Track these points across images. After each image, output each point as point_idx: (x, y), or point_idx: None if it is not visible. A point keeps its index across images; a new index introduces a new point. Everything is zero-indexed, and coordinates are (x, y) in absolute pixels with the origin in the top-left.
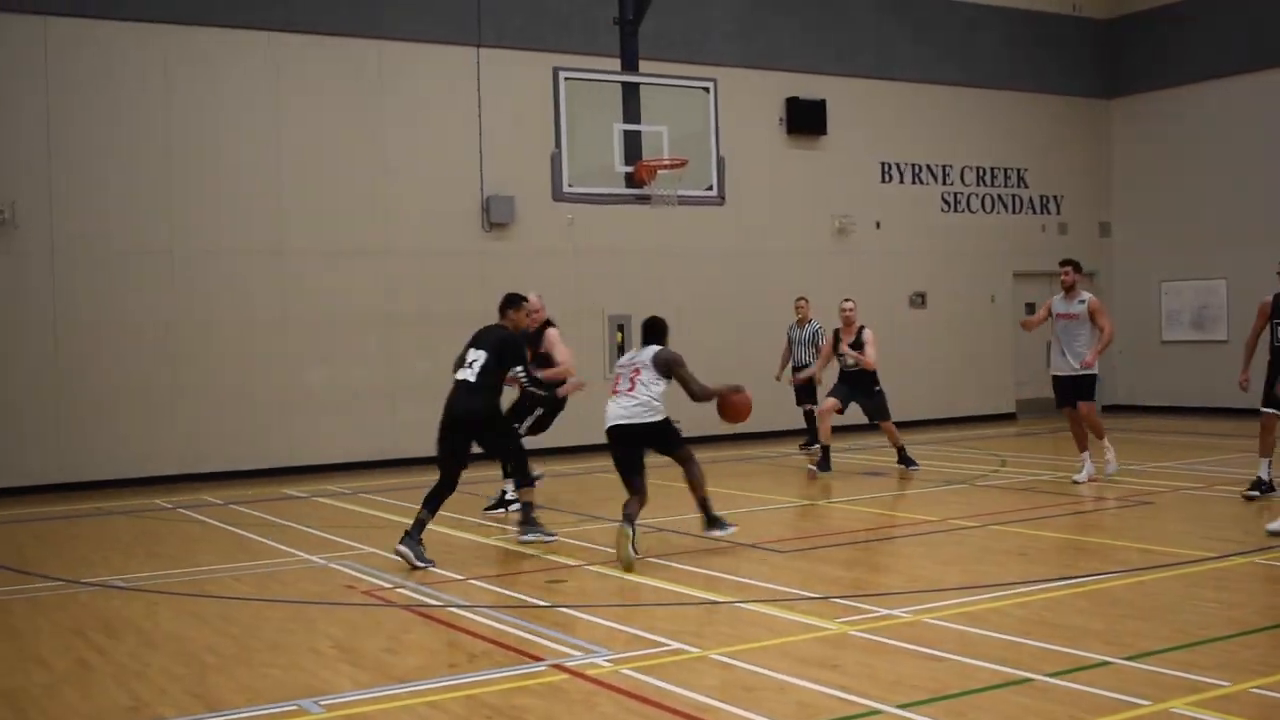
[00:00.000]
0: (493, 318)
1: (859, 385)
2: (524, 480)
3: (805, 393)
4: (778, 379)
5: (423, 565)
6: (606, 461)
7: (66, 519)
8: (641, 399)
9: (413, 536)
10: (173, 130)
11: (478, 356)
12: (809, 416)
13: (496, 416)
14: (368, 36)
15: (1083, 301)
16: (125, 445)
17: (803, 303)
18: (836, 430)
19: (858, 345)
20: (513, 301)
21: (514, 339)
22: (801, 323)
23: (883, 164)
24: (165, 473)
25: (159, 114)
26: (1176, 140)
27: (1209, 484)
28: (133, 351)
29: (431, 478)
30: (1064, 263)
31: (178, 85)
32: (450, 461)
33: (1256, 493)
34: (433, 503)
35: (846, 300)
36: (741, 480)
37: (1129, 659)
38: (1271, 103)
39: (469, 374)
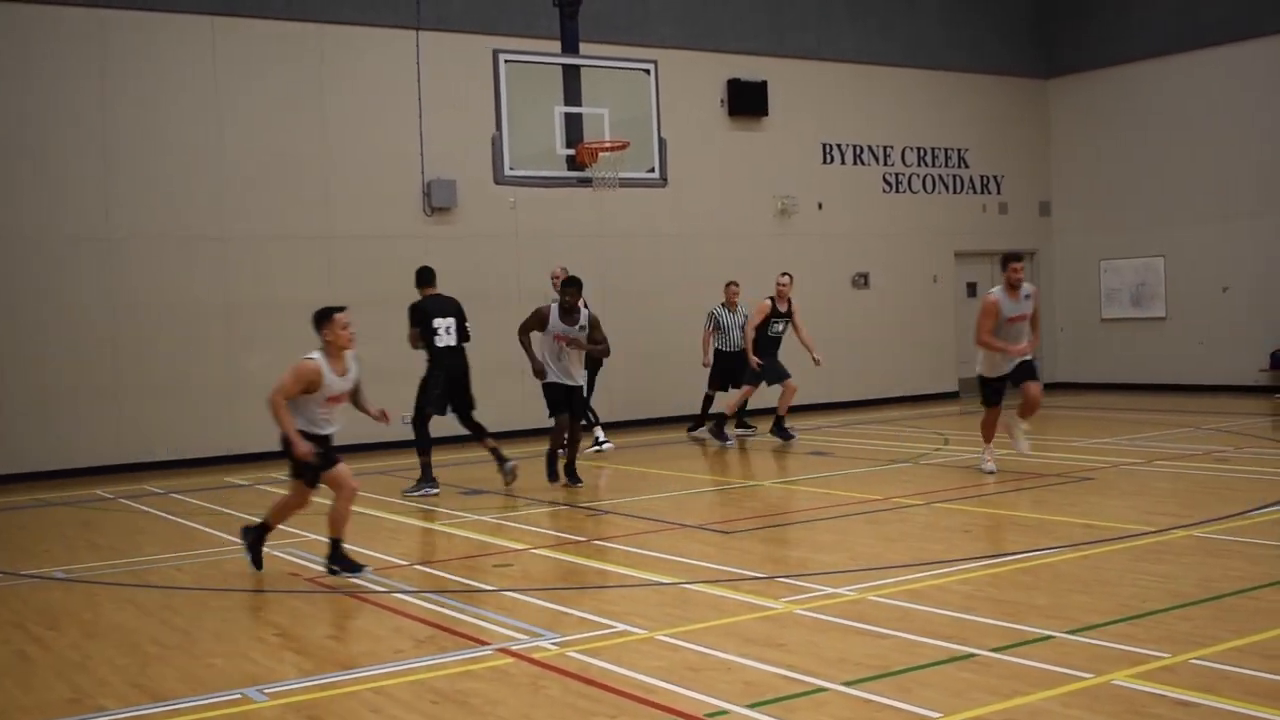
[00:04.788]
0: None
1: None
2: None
3: (728, 375)
4: (706, 364)
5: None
6: (548, 445)
7: (5, 511)
8: None
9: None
10: (111, 115)
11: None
12: (710, 400)
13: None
14: (308, 20)
15: (1028, 297)
16: (65, 435)
17: (735, 287)
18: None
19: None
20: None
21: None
22: (732, 307)
23: (824, 145)
24: (106, 463)
25: (97, 99)
26: (1114, 120)
27: (1149, 459)
28: (72, 340)
29: (380, 464)
30: (1016, 257)
31: (116, 69)
32: None
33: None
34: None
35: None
36: (686, 462)
37: (1071, 633)
38: (1206, 82)
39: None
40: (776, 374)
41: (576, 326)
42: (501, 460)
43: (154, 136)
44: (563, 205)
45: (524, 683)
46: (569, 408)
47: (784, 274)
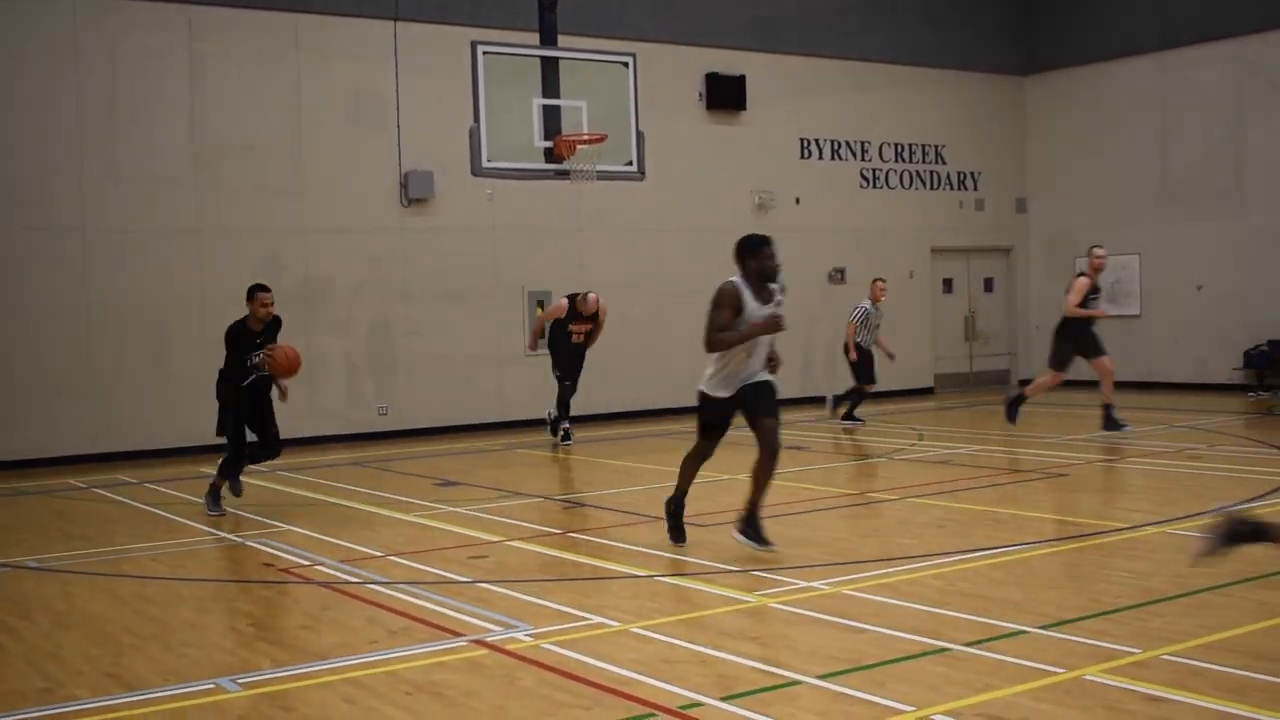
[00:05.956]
0: (411, 292)
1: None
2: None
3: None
4: (891, 355)
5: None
6: (525, 436)
7: None
8: None
9: None
10: (83, 104)
11: None
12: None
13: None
14: (285, 10)
15: None
16: (38, 425)
17: (882, 283)
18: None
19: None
20: None
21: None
22: (877, 302)
23: (802, 140)
24: (79, 452)
25: (69, 87)
26: (1090, 117)
27: (1122, 456)
28: (45, 331)
29: (354, 454)
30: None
31: (88, 58)
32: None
33: None
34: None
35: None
36: (662, 455)
37: (1044, 628)
38: (1181, 81)
39: None
40: (1095, 349)
41: (774, 302)
42: (216, 499)
43: (127, 127)
44: (540, 198)
45: (498, 674)
46: (725, 428)
47: (1100, 246)
